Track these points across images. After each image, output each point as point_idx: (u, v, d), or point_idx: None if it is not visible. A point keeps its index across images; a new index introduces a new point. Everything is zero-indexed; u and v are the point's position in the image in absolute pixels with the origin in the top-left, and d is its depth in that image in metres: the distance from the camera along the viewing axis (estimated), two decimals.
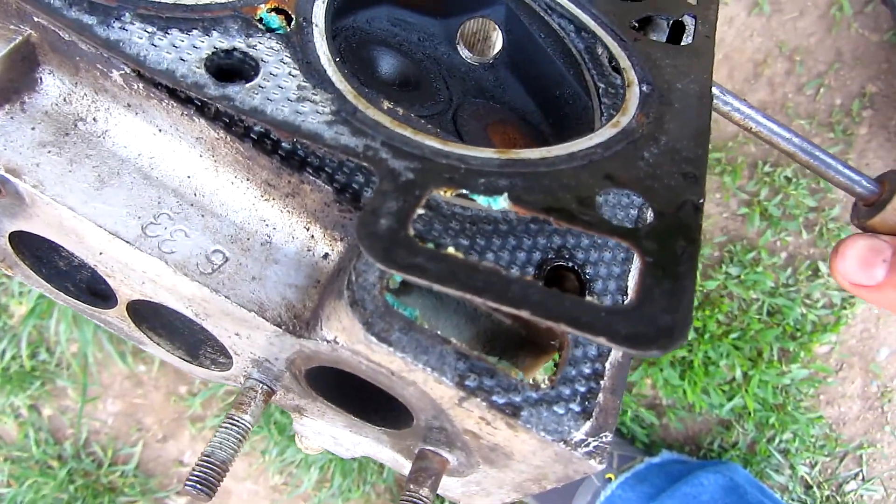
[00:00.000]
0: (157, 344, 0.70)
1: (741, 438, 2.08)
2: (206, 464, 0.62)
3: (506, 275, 0.46)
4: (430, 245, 0.45)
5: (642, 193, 0.53)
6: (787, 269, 2.07)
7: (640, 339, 0.42)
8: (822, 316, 2.07)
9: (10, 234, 0.63)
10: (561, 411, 0.55)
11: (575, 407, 0.56)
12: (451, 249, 0.48)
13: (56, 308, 2.10)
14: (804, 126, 1.98)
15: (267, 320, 0.57)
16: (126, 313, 0.66)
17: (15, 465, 2.28)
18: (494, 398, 0.54)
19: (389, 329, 0.53)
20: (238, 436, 0.63)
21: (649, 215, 0.69)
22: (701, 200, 0.55)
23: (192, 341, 0.71)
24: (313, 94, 0.54)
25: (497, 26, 0.77)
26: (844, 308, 2.06)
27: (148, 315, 0.68)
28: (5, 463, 2.29)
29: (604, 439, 0.56)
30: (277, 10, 0.59)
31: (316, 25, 0.59)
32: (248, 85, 0.53)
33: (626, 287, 0.65)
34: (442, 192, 0.49)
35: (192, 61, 0.54)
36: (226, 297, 0.57)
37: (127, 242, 0.56)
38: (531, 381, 0.56)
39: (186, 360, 0.71)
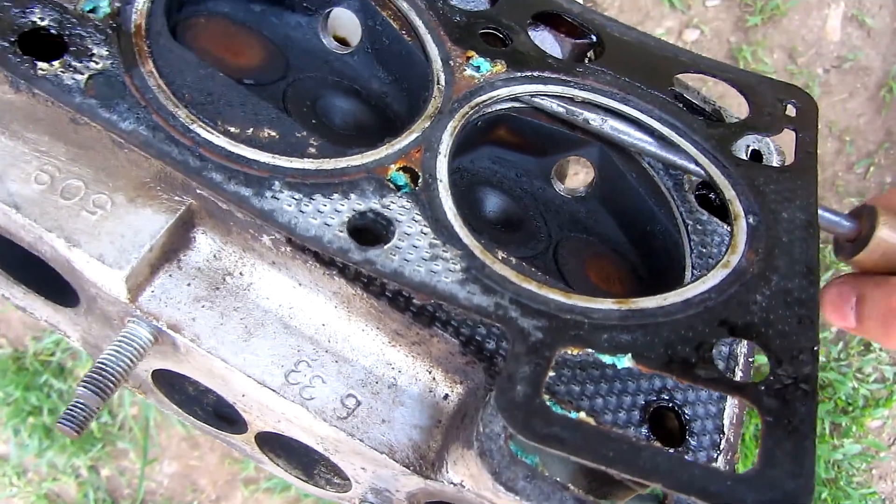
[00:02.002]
0: (276, 464, 0.75)
1: None
2: None
3: (635, 443, 0.51)
4: (562, 410, 0.50)
5: (759, 343, 0.57)
6: (839, 343, 2.08)
7: None
8: (875, 390, 2.08)
9: (153, 370, 0.69)
10: None
11: None
12: (582, 415, 0.53)
13: None
14: (854, 204, 2.01)
15: (396, 462, 0.62)
16: (253, 440, 0.72)
17: None
18: None
19: (515, 478, 0.58)
20: None
21: (740, 352, 0.74)
22: (816, 347, 0.58)
23: (307, 461, 0.76)
24: (444, 250, 0.60)
25: (590, 163, 0.83)
26: None
27: (270, 440, 0.74)
28: None
29: None
30: (405, 169, 0.65)
31: (440, 181, 0.65)
32: (386, 247, 0.59)
33: (723, 425, 0.69)
34: (570, 351, 0.54)
35: (335, 226, 0.60)
36: (360, 440, 0.62)
37: (272, 391, 0.62)
38: None
39: (302, 479, 0.76)
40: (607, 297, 0.58)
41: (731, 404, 0.70)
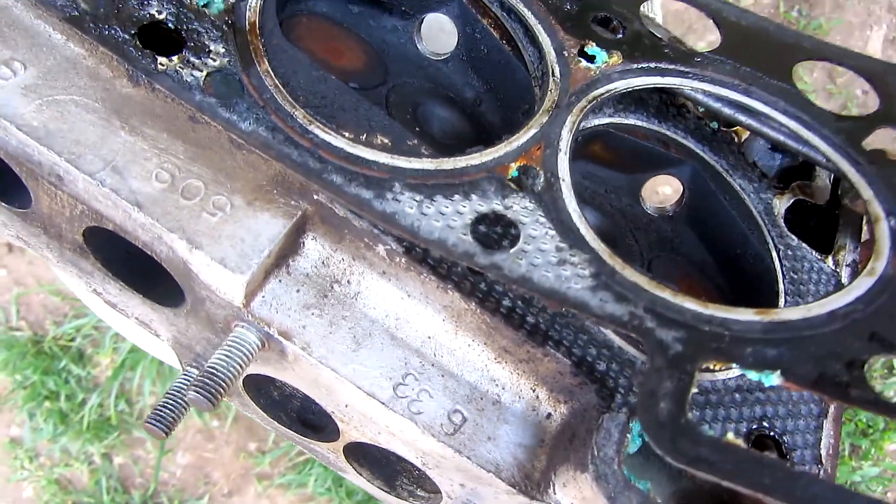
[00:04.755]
0: (359, 473, 0.74)
1: None
2: None
3: (790, 470, 0.49)
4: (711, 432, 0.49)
5: None
6: None
7: None
8: None
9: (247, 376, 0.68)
10: None
11: None
12: (730, 436, 0.52)
13: (141, 363, 2.16)
14: None
15: (503, 480, 0.61)
16: (341, 450, 0.71)
17: None
18: None
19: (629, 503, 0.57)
20: None
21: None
22: None
23: (390, 472, 0.75)
24: (571, 255, 0.59)
25: (681, 182, 0.82)
26: None
27: (356, 450, 0.73)
28: None
29: None
30: (526, 168, 0.64)
31: (563, 180, 0.64)
32: (512, 251, 0.58)
33: (820, 455, 0.68)
34: (711, 366, 0.53)
35: (458, 228, 0.58)
36: (467, 457, 0.61)
37: (382, 403, 0.61)
38: None
39: (384, 490, 0.75)
40: (748, 309, 0.56)
41: (827, 434, 0.70)
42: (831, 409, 0.71)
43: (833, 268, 0.79)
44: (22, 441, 2.36)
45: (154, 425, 0.65)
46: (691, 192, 0.82)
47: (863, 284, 0.60)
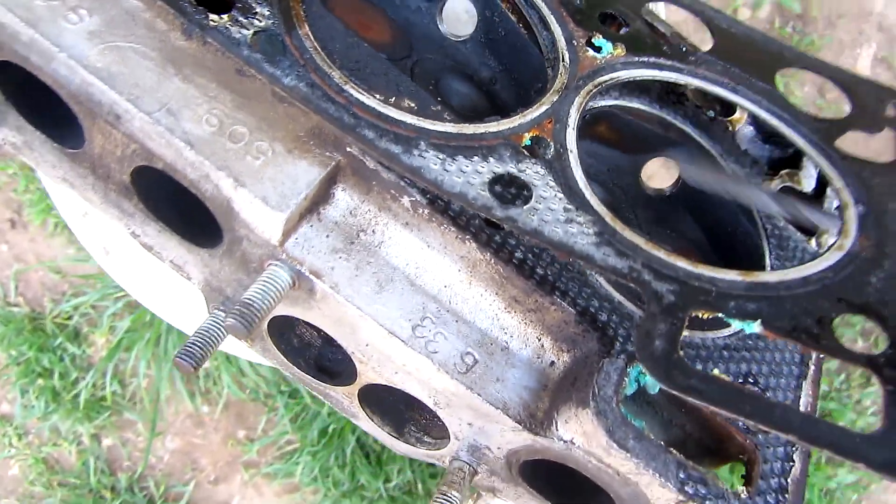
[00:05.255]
0: (371, 419, 0.79)
1: None
2: None
3: (767, 400, 0.55)
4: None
5: (877, 321, 0.62)
6: (841, 374, 2.16)
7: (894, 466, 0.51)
8: (872, 423, 2.15)
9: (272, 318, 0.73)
10: None
11: None
12: (716, 371, 0.58)
13: (137, 344, 2.19)
14: None
15: (510, 417, 0.67)
16: (356, 393, 0.76)
17: (69, 491, 2.34)
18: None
19: (626, 437, 0.63)
20: None
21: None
22: None
23: (400, 420, 0.80)
24: (577, 215, 0.65)
25: (676, 164, 0.88)
26: None
27: (370, 395, 0.77)
28: (60, 488, 2.35)
29: None
30: (537, 139, 0.70)
31: (571, 151, 0.70)
32: (525, 207, 0.64)
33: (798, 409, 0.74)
34: (700, 314, 0.60)
35: (477, 185, 0.64)
36: (477, 394, 0.66)
37: (401, 341, 0.66)
38: (734, 491, 0.65)
39: (393, 436, 0.80)
40: (731, 270, 0.63)
41: (806, 394, 0.76)
42: (810, 371, 0.77)
43: (816, 249, 0.85)
44: (12, 418, 2.38)
45: (183, 359, 0.70)
46: (686, 173, 0.88)
47: (833, 257, 0.68)
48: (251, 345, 0.80)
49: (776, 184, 0.90)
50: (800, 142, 0.81)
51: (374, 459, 2.16)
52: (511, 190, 0.66)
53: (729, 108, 0.92)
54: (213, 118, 0.64)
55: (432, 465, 2.20)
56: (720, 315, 0.60)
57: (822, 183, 0.92)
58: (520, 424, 0.67)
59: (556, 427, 0.66)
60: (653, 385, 0.67)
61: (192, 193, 0.70)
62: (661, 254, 0.64)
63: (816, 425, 0.53)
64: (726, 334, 0.74)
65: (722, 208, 0.85)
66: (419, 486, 2.20)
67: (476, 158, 0.66)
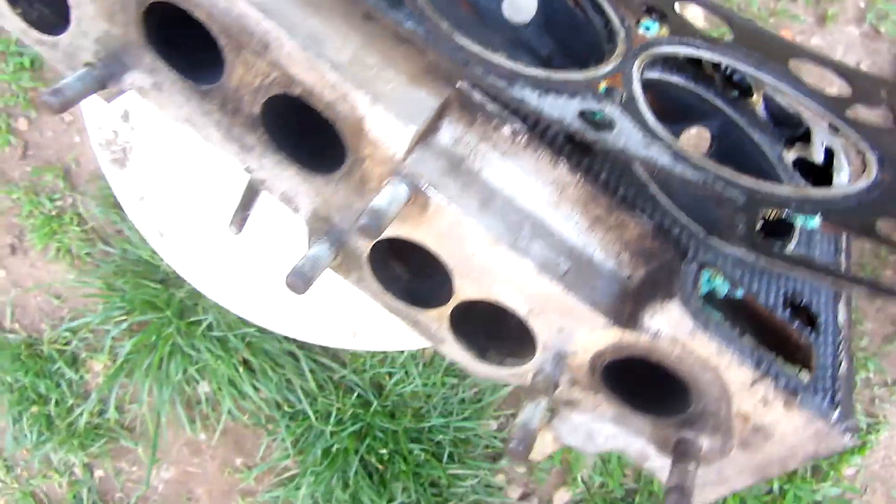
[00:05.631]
0: (456, 343, 0.87)
1: None
2: (523, 430, 0.78)
3: (834, 266, 0.67)
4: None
5: None
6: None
7: None
8: None
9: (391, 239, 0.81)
10: (819, 398, 0.74)
11: (828, 396, 0.75)
12: (790, 247, 0.69)
13: (137, 370, 2.18)
14: None
15: (601, 314, 0.76)
16: (449, 314, 0.84)
17: None
18: (780, 382, 0.72)
19: (708, 323, 0.72)
20: (540, 413, 0.80)
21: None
22: None
23: (481, 346, 0.88)
24: (654, 142, 0.77)
25: (709, 134, 1.02)
26: (870, 433, 2.26)
27: (458, 318, 0.85)
28: None
29: (852, 421, 0.75)
30: (611, 88, 0.83)
31: (639, 100, 0.83)
32: (611, 133, 0.76)
33: (838, 321, 0.85)
34: (769, 213, 0.71)
35: (569, 114, 0.76)
36: (574, 294, 0.76)
37: (508, 246, 0.75)
38: (798, 374, 0.75)
39: (476, 359, 0.87)
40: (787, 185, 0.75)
41: (842, 311, 0.87)
42: (843, 295, 0.88)
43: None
44: (1, 450, 2.32)
45: (296, 278, 0.77)
46: (719, 140, 1.02)
47: (862, 183, 0.82)
48: (347, 275, 0.87)
49: (792, 154, 1.04)
50: (816, 110, 0.95)
51: (377, 479, 2.17)
52: (596, 121, 0.77)
53: (748, 90, 1.06)
54: (347, 50, 0.74)
55: (437, 486, 2.22)
56: (786, 213, 0.72)
57: (829, 156, 1.07)
58: (610, 320, 0.76)
59: (644, 321, 0.75)
60: (721, 288, 0.78)
61: (313, 126, 0.79)
62: (726, 172, 0.76)
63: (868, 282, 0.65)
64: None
65: (751, 168, 0.98)
66: None
67: (565, 96, 0.78)
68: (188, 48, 0.82)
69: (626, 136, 0.76)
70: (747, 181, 0.76)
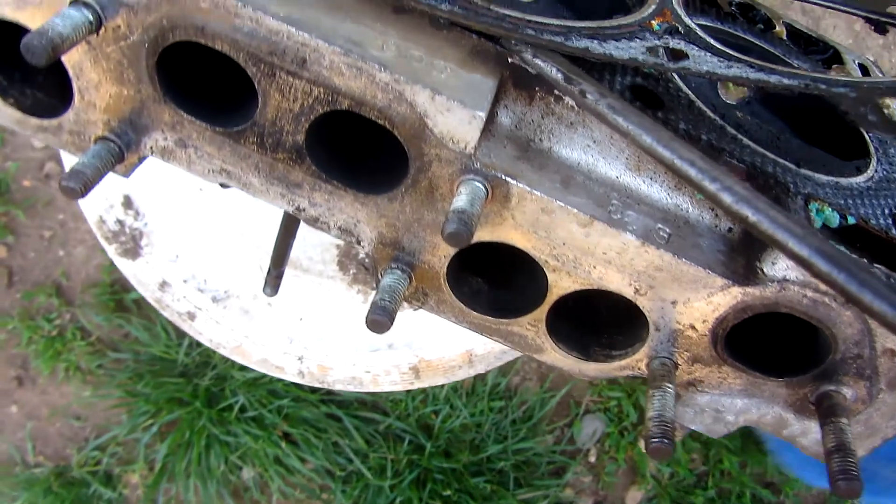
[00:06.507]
0: (557, 349, 0.80)
1: None
2: (660, 422, 0.70)
3: None
4: None
5: None
6: None
7: None
8: None
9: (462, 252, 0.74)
10: None
11: None
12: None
13: (177, 471, 2.06)
14: None
15: (718, 275, 0.69)
16: (545, 317, 0.77)
17: None
18: None
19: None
20: (671, 398, 0.73)
21: None
22: None
23: (585, 342, 0.81)
24: (734, 62, 0.73)
25: None
26: None
27: (556, 320, 0.78)
28: None
29: None
30: (664, 24, 0.77)
31: (695, 30, 0.78)
32: (689, 61, 0.70)
33: None
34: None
35: (639, 52, 0.70)
36: (685, 259, 0.69)
37: (604, 223, 0.69)
38: None
39: (580, 359, 0.80)
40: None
41: None
42: None
43: None
44: None
45: (377, 317, 0.70)
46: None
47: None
48: (424, 302, 0.80)
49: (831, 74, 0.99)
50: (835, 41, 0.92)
51: None
52: (668, 54, 0.72)
53: (768, 22, 1.03)
54: (390, 47, 0.68)
55: None
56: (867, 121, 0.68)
57: (864, 72, 1.03)
58: (729, 280, 0.69)
59: (764, 272, 0.69)
60: (832, 218, 0.72)
61: (360, 148, 0.73)
62: (821, 72, 0.72)
63: None
64: (864, 179, 0.80)
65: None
66: None
67: (624, 39, 0.73)
68: (206, 95, 0.75)
69: (704, 61, 0.71)
70: (845, 77, 0.71)
